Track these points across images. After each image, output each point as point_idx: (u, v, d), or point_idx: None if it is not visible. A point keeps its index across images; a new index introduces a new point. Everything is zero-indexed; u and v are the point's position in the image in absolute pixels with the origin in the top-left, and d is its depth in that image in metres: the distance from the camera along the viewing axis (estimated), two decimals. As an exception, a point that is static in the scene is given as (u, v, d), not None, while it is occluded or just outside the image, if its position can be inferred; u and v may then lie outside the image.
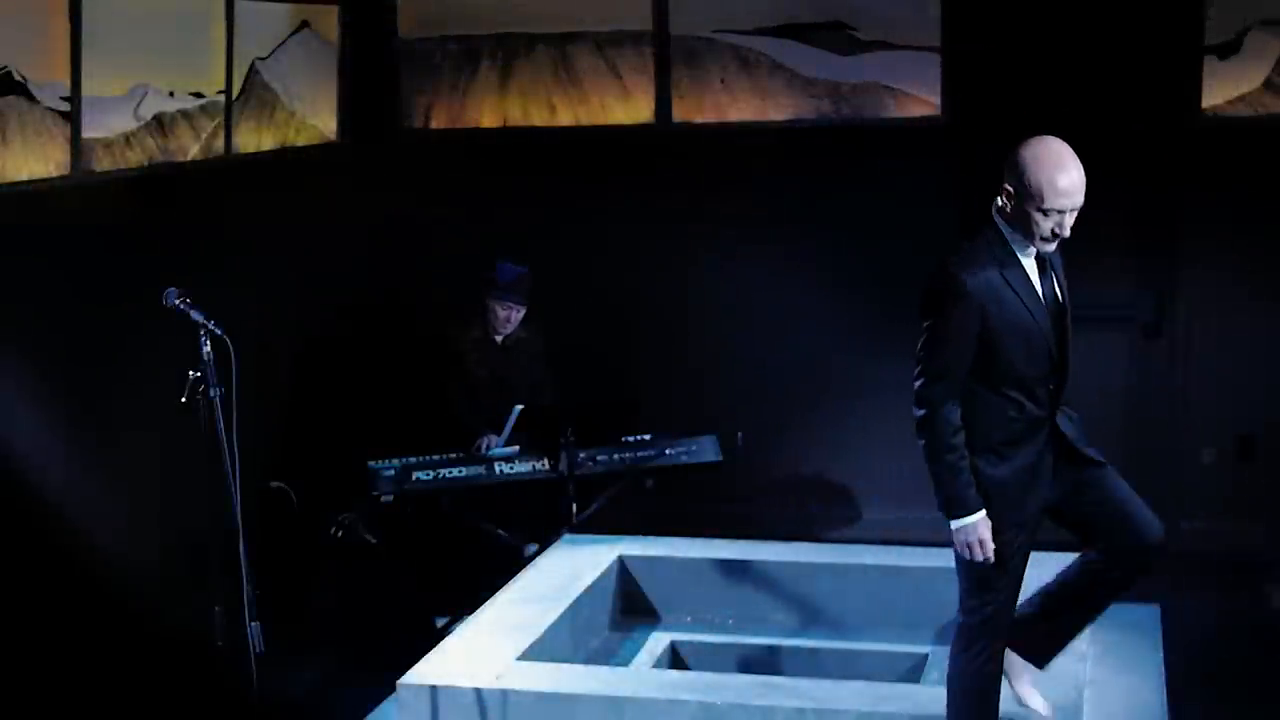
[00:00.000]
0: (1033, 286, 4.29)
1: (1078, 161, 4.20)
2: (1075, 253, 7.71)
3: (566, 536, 6.41)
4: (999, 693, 4.47)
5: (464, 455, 6.65)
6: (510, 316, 6.89)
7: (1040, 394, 4.36)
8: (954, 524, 4.29)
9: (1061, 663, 4.83)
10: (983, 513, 4.28)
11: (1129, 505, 4.42)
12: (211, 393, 4.44)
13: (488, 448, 6.70)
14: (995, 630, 4.39)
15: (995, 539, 4.28)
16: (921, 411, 4.27)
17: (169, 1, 6.42)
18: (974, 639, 4.41)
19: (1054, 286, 4.37)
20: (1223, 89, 7.22)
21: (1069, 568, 4.54)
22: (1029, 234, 4.23)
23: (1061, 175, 4.17)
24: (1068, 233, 4.21)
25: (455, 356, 6.98)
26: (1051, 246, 4.26)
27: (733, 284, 7.81)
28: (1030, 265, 4.30)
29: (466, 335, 6.97)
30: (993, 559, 4.29)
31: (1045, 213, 4.18)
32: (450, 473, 6.52)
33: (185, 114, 6.52)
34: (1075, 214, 4.20)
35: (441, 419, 6.91)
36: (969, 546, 4.30)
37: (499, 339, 6.93)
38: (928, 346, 4.24)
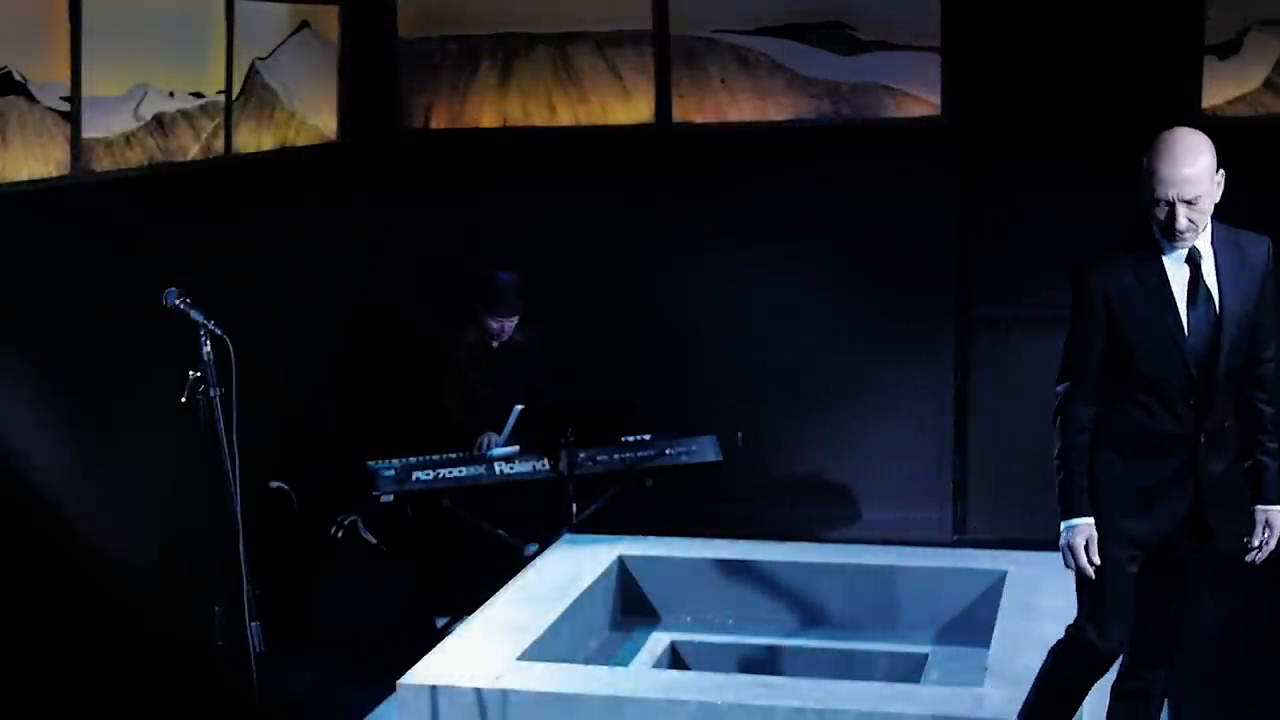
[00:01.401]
0: (1168, 287, 4.05)
1: (1193, 151, 3.99)
2: (1077, 252, 7.72)
3: (566, 536, 6.41)
4: (1072, 706, 4.28)
5: (464, 455, 6.65)
6: (503, 327, 6.89)
7: (1180, 409, 4.04)
8: (1061, 524, 4.13)
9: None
10: (1087, 520, 4.10)
11: (1167, 623, 4.23)
12: (211, 393, 4.44)
13: (488, 446, 6.70)
14: (1083, 646, 4.14)
15: (1100, 548, 4.10)
16: (1055, 404, 4.15)
17: (169, 1, 6.42)
18: (1065, 645, 4.22)
19: (1211, 291, 4.05)
20: (1223, 89, 7.22)
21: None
22: (1155, 227, 4.05)
23: (1164, 163, 3.97)
24: (1183, 225, 3.97)
25: (451, 362, 6.98)
26: (1177, 241, 4.01)
27: (733, 284, 7.81)
28: (1176, 264, 4.06)
29: (462, 341, 6.97)
30: (1088, 570, 4.11)
31: (1156, 202, 4.01)
32: (450, 473, 6.52)
33: (185, 114, 6.52)
34: (1192, 208, 3.98)
35: (438, 423, 6.92)
36: (1064, 550, 4.14)
37: (495, 345, 6.93)
38: (1066, 339, 4.18)
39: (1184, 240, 4.01)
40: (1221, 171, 4.00)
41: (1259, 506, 4.06)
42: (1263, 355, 4.12)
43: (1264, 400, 4.08)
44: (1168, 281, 4.04)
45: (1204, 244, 4.05)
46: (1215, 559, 4.15)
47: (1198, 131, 4.00)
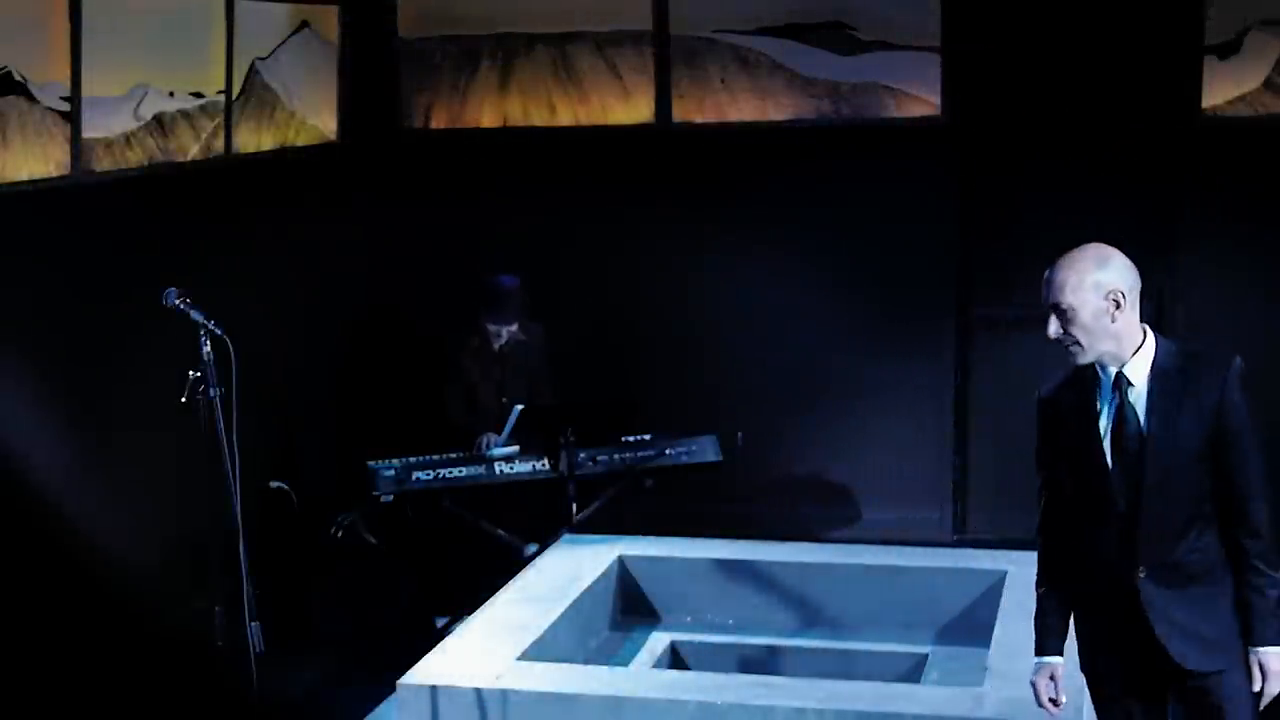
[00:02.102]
0: (1093, 411, 3.77)
1: (1073, 260, 3.70)
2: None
3: (566, 536, 6.40)
4: None
5: (464, 455, 6.65)
6: (502, 332, 6.88)
7: (1109, 543, 3.78)
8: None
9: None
10: (1049, 660, 3.91)
11: None
12: (211, 393, 4.44)
13: (488, 446, 6.70)
14: None
15: (1090, 688, 3.93)
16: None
17: (169, 1, 6.42)
18: None
19: (1139, 423, 3.74)
20: (1223, 89, 7.22)
21: None
22: None
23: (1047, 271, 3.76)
24: (1051, 332, 3.70)
25: (451, 363, 6.98)
26: (1071, 357, 3.74)
27: (733, 284, 7.81)
28: (1108, 385, 3.77)
29: (466, 343, 6.97)
30: (1052, 710, 3.92)
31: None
32: (450, 473, 6.52)
33: (185, 114, 6.51)
34: (1063, 318, 3.68)
35: (439, 423, 6.92)
36: (1031, 688, 3.96)
37: (496, 348, 6.93)
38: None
39: (1072, 356, 3.73)
40: (1117, 295, 3.65)
41: (1249, 648, 3.74)
42: (1236, 489, 3.74)
43: (1247, 535, 3.73)
44: (1093, 403, 3.78)
45: (1137, 370, 3.73)
46: (1237, 694, 3.78)
47: (1104, 247, 3.74)
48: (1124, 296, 3.67)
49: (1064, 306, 3.68)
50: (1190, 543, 3.75)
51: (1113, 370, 3.74)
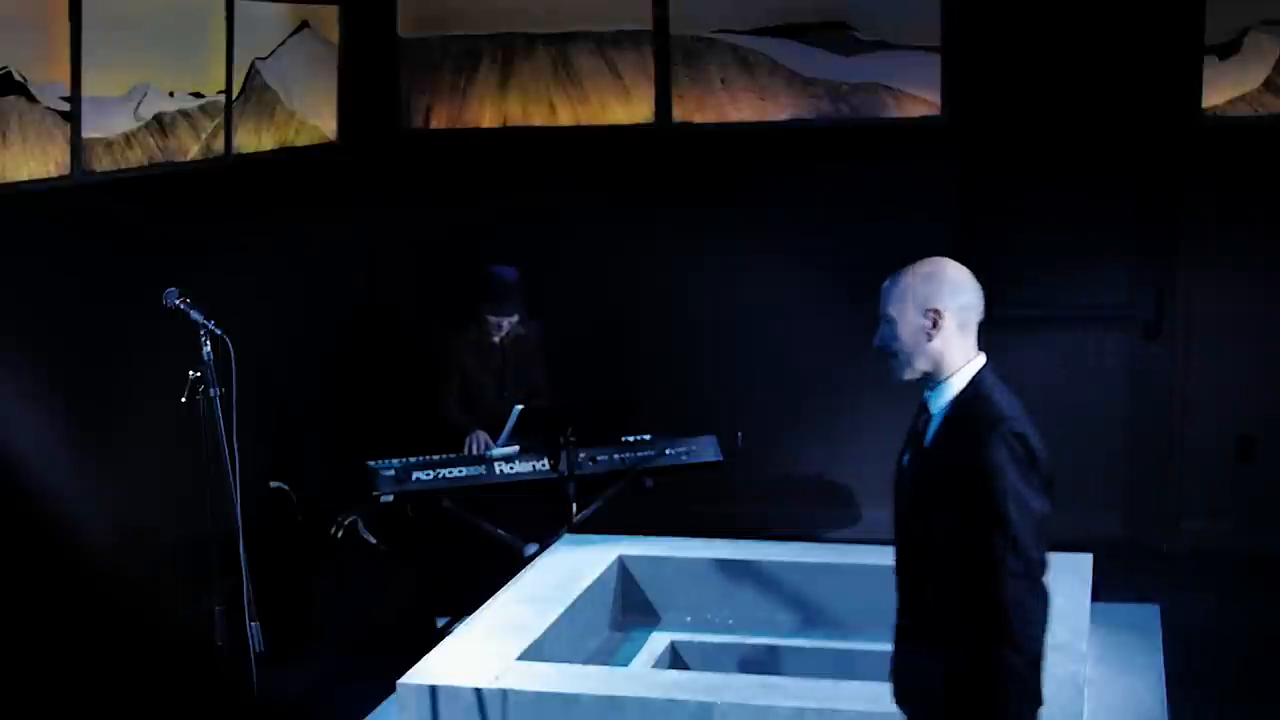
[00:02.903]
0: (905, 441, 3.65)
1: (904, 272, 3.62)
2: (1076, 252, 7.76)
3: (566, 536, 6.40)
4: None
5: (464, 455, 6.65)
6: (503, 324, 6.88)
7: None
8: None
9: (1062, 663, 4.83)
10: None
11: None
12: (211, 393, 4.44)
13: (478, 446, 6.70)
14: None
15: None
16: None
17: (169, 1, 6.42)
18: None
19: (917, 451, 3.59)
20: (1223, 89, 7.22)
21: None
22: None
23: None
24: (875, 344, 3.61)
25: (450, 358, 6.97)
26: (889, 371, 3.61)
27: (733, 284, 7.81)
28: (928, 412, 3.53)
29: (463, 338, 6.96)
30: None
31: None
32: (450, 473, 6.52)
33: (185, 114, 6.52)
34: (887, 327, 3.57)
35: (434, 420, 6.91)
36: None
37: (496, 340, 6.92)
38: None
39: (890, 370, 3.61)
40: (935, 313, 3.47)
41: None
42: (961, 580, 3.42)
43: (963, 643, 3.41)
44: (910, 431, 3.62)
45: (938, 400, 3.53)
46: None
47: (943, 262, 3.59)
48: (943, 316, 3.46)
49: (887, 317, 3.56)
50: (931, 598, 3.55)
51: (897, 378, 3.56)
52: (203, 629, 4.64)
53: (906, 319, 3.52)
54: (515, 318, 6.88)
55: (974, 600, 3.38)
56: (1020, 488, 3.34)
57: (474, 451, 6.68)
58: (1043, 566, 3.43)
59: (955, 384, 3.49)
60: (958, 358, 3.48)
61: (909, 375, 3.56)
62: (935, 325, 3.47)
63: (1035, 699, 3.44)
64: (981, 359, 3.51)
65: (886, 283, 3.58)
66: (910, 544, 3.60)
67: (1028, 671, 3.38)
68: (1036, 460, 3.40)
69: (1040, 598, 3.42)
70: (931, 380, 3.53)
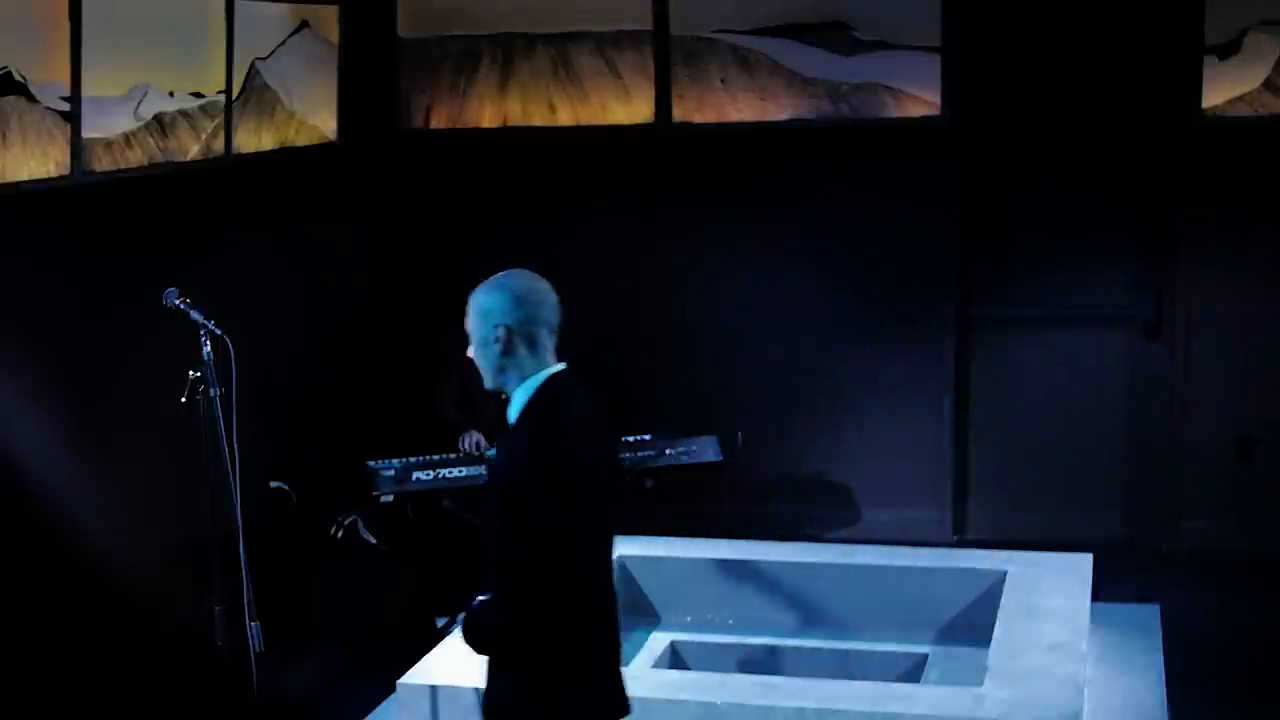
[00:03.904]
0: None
1: (481, 285, 3.71)
2: (1077, 252, 7.76)
3: (566, 536, 6.40)
4: None
5: (464, 455, 6.65)
6: None
7: None
8: None
9: (1062, 663, 4.84)
10: None
11: None
12: (211, 393, 4.45)
13: (471, 445, 6.69)
14: None
15: None
16: None
17: (169, 1, 6.42)
18: None
19: (491, 465, 3.71)
20: (1223, 89, 7.22)
21: None
22: None
23: None
24: (469, 354, 3.68)
25: (448, 358, 6.97)
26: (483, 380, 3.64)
27: (733, 284, 7.82)
28: None
29: (460, 339, 6.95)
30: None
31: None
32: (450, 473, 6.52)
33: (185, 114, 6.52)
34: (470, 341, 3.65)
35: (431, 420, 6.91)
36: None
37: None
38: None
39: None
40: (502, 328, 3.56)
41: None
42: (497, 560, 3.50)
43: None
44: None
45: (511, 416, 3.58)
46: None
47: (514, 275, 3.69)
48: (507, 331, 3.55)
49: (467, 329, 3.65)
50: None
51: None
52: (203, 629, 4.64)
53: (477, 333, 3.64)
54: None
55: (504, 602, 3.49)
56: (545, 498, 3.39)
57: (468, 451, 6.68)
58: (574, 577, 3.44)
59: (523, 396, 3.57)
60: (526, 370, 3.57)
61: (491, 387, 3.64)
62: (498, 340, 3.58)
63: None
64: (551, 370, 3.59)
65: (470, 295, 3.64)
66: (489, 549, 3.59)
67: (544, 683, 3.47)
68: (569, 470, 3.43)
69: (568, 603, 3.44)
70: (508, 392, 3.61)
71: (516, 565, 3.43)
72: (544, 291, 3.64)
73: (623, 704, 3.66)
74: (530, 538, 3.38)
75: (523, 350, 3.58)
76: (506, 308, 3.59)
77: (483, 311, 3.63)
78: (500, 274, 3.67)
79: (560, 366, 3.61)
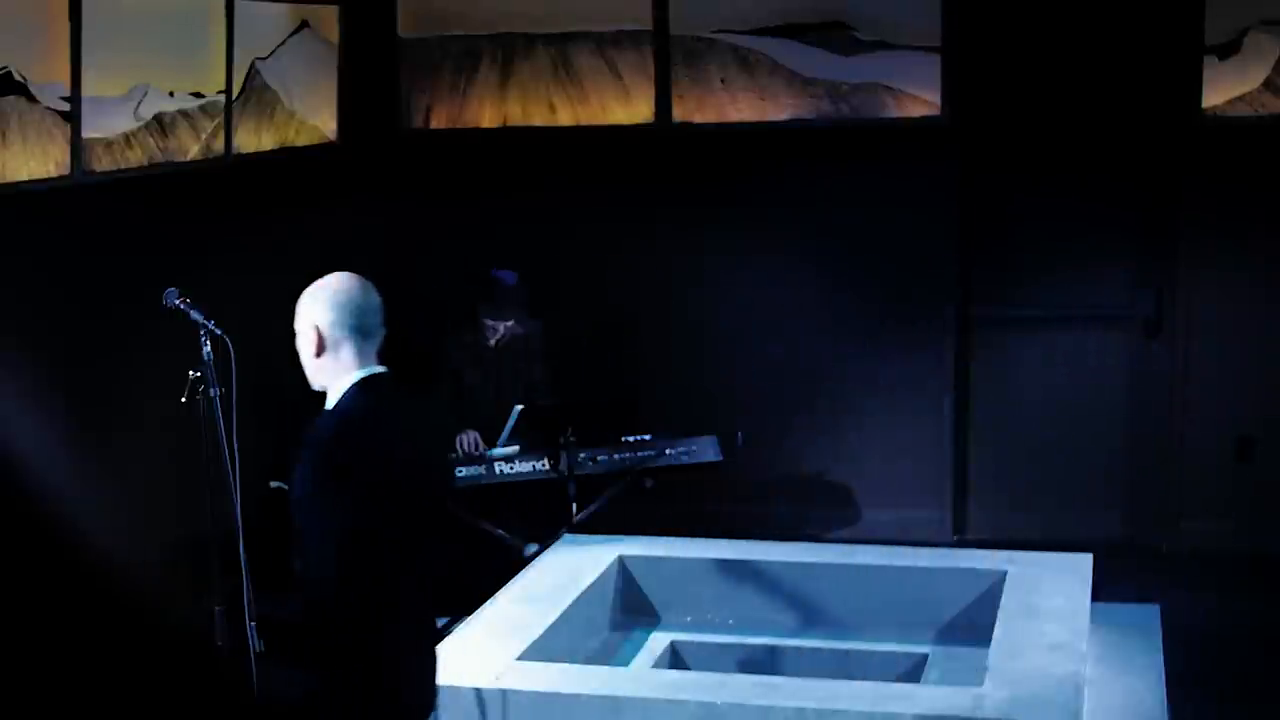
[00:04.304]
0: None
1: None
2: (1076, 252, 7.77)
3: (566, 536, 6.40)
4: None
5: (462, 455, 6.65)
6: (499, 328, 6.87)
7: None
8: None
9: (1062, 663, 4.84)
10: None
11: None
12: (211, 393, 4.44)
13: (468, 445, 6.69)
14: None
15: None
16: None
17: (169, 1, 6.42)
18: None
19: None
20: (1223, 89, 7.22)
21: None
22: None
23: None
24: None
25: (444, 359, 6.97)
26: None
27: (733, 284, 7.82)
28: None
29: (461, 340, 6.96)
30: None
31: None
32: (450, 473, 6.52)
33: (185, 114, 6.52)
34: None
35: None
36: None
37: (491, 343, 6.92)
38: None
39: None
40: (316, 330, 3.67)
41: None
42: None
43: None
44: None
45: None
46: None
47: (337, 277, 3.82)
48: (320, 333, 3.64)
49: (295, 332, 3.71)
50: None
51: None
52: (203, 629, 4.64)
53: (300, 335, 3.72)
54: (512, 322, 6.88)
55: (303, 599, 3.54)
56: (320, 499, 3.48)
57: (464, 451, 6.68)
58: (365, 574, 3.51)
59: (334, 398, 3.65)
60: (340, 373, 3.65)
61: (316, 388, 3.72)
62: (312, 341, 3.68)
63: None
64: (362, 374, 3.65)
65: None
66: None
67: (345, 680, 3.51)
68: (360, 470, 3.50)
69: (356, 598, 3.50)
70: (326, 393, 3.68)
71: (311, 561, 3.49)
72: (357, 295, 3.73)
73: (429, 699, 3.75)
74: (320, 534, 3.46)
75: (335, 352, 3.66)
76: (319, 310, 3.69)
77: (300, 313, 3.73)
78: (324, 277, 3.77)
79: (377, 369, 3.68)
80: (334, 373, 3.65)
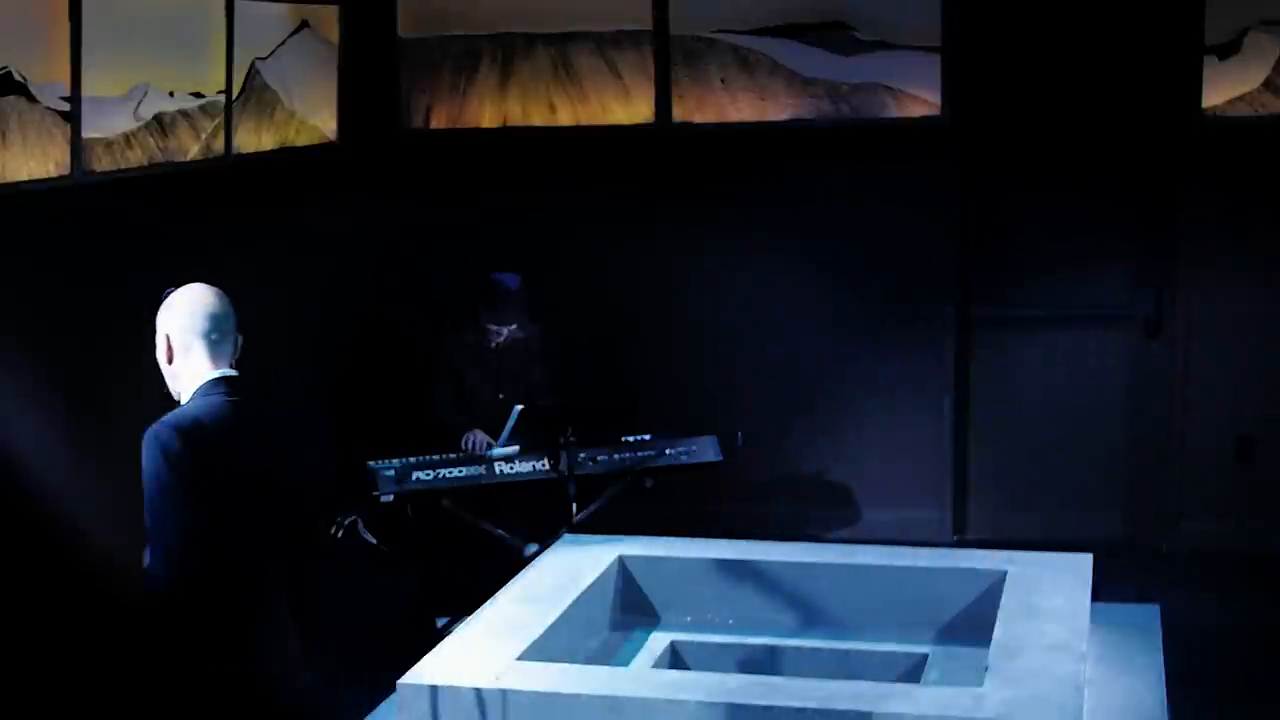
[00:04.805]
0: None
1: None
2: (1076, 252, 7.78)
3: (566, 536, 6.40)
4: None
5: (464, 455, 6.65)
6: (502, 331, 6.88)
7: None
8: None
9: (1062, 663, 4.83)
10: None
11: None
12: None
13: (474, 446, 6.69)
14: None
15: None
16: None
17: (169, 1, 6.42)
18: None
19: None
20: (1223, 89, 7.22)
21: None
22: None
23: None
24: None
25: (444, 361, 6.98)
26: None
27: (733, 284, 7.82)
28: None
29: (462, 341, 6.96)
30: None
31: None
32: (450, 473, 6.52)
33: (185, 114, 6.52)
34: None
35: (430, 422, 6.91)
36: None
37: (492, 345, 6.92)
38: None
39: None
40: (166, 336, 3.88)
41: None
42: None
43: None
44: None
45: None
46: None
47: (191, 288, 3.99)
48: (170, 340, 3.85)
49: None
50: None
51: None
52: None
53: (157, 344, 3.91)
54: (514, 326, 6.88)
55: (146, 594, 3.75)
56: (159, 496, 3.66)
57: (471, 450, 6.68)
58: (190, 573, 3.70)
59: (183, 400, 3.87)
60: (188, 378, 3.87)
61: (174, 394, 3.92)
62: (164, 349, 3.89)
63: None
64: (210, 377, 3.85)
65: None
66: None
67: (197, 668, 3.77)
68: (189, 467, 3.68)
69: (185, 600, 3.72)
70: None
71: (154, 555, 3.67)
72: (205, 304, 3.89)
73: (293, 698, 3.97)
74: (157, 528, 3.65)
75: (185, 358, 3.85)
76: (168, 318, 3.87)
77: (157, 322, 3.90)
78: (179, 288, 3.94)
79: (225, 374, 3.86)
80: (186, 378, 3.85)
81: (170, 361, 3.87)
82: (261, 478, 3.83)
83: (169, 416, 3.76)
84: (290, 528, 3.94)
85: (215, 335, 3.86)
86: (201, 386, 3.82)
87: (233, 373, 3.87)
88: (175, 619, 3.69)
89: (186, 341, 3.84)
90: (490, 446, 6.70)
